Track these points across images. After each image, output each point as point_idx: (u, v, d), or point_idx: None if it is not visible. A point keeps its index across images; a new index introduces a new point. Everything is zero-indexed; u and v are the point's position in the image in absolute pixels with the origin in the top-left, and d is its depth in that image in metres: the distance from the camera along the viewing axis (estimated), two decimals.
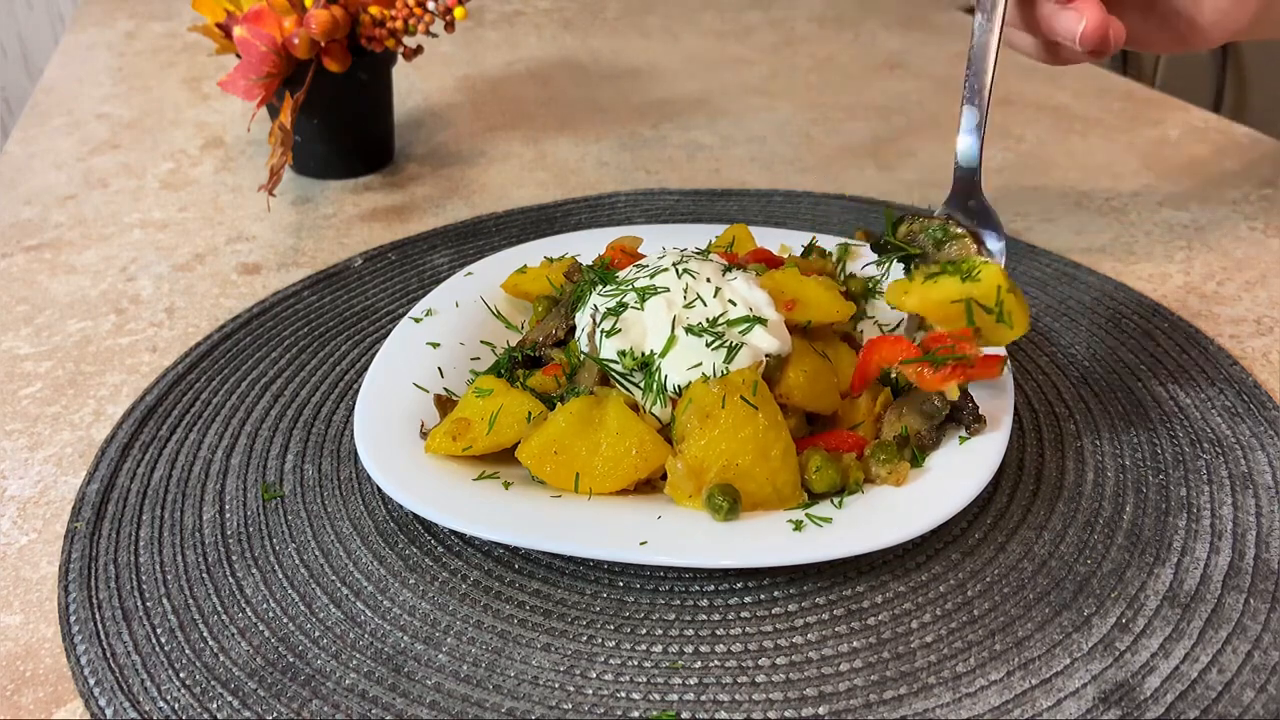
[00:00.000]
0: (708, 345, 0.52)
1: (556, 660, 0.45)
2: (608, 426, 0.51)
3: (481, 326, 0.64)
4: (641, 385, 0.53)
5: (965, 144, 0.59)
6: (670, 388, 0.52)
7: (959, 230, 0.54)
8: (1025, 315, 0.50)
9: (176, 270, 0.77)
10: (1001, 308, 0.50)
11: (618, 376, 0.54)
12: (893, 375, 0.53)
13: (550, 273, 0.65)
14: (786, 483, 0.49)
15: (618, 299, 0.55)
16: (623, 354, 0.53)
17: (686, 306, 0.53)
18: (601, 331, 0.54)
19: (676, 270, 0.55)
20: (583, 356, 0.55)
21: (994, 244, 0.58)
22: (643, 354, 0.53)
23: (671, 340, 0.52)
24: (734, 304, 0.54)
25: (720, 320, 0.53)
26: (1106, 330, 0.66)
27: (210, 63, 1.18)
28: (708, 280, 0.55)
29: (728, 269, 0.56)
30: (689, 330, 0.52)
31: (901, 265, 0.56)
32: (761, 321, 0.53)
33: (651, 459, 0.50)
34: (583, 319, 0.56)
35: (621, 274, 0.58)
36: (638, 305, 0.54)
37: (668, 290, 0.54)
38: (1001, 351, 0.51)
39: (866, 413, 0.54)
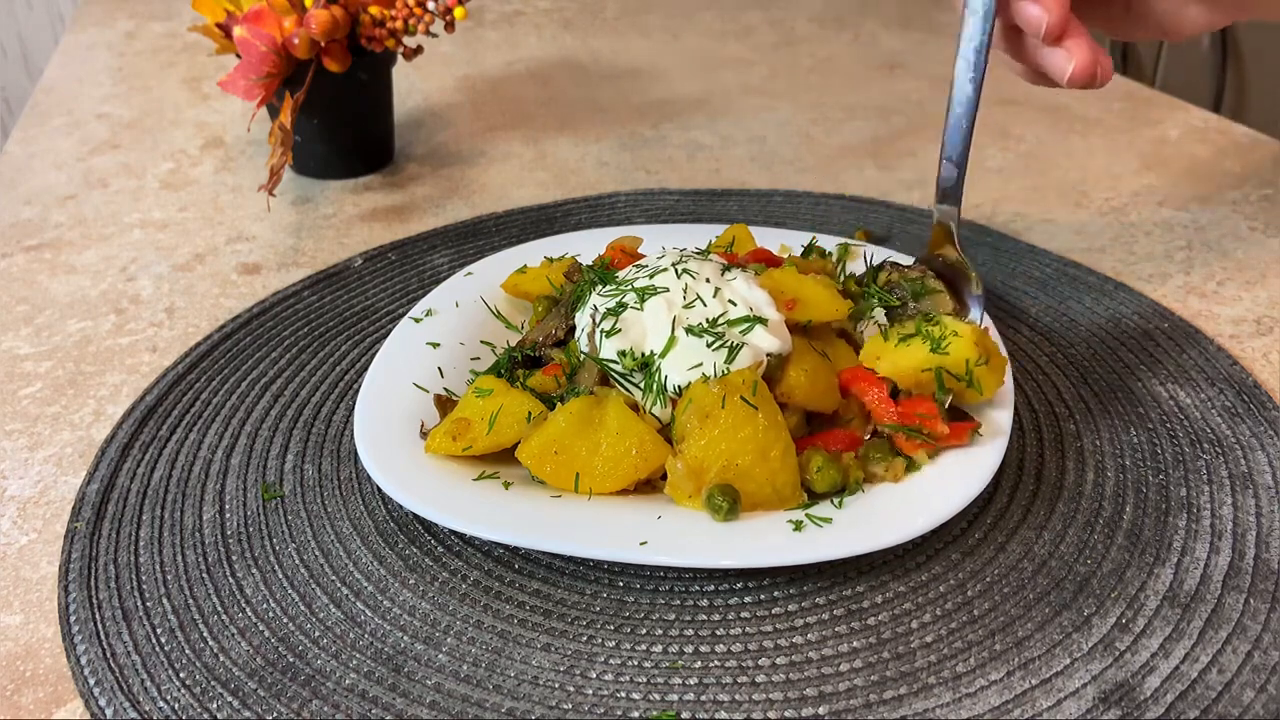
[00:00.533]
0: (708, 345, 0.52)
1: (556, 660, 0.45)
2: (608, 426, 0.51)
3: (481, 326, 0.64)
4: (641, 386, 0.53)
5: (943, 202, 0.57)
6: (670, 388, 0.52)
7: (936, 285, 0.55)
8: (997, 379, 0.52)
9: (176, 270, 0.77)
10: (971, 376, 0.51)
11: (617, 376, 0.54)
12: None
13: (550, 273, 0.65)
14: (786, 483, 0.49)
15: (617, 299, 0.55)
16: (623, 354, 0.53)
17: (686, 306, 0.53)
18: (601, 332, 0.54)
19: (676, 270, 0.55)
20: (583, 356, 0.55)
21: (972, 302, 0.58)
22: (643, 354, 0.53)
23: (672, 341, 0.52)
24: (734, 304, 0.54)
25: (720, 320, 0.53)
26: (1106, 330, 0.66)
27: (210, 63, 1.18)
28: (707, 280, 0.55)
29: (727, 269, 0.56)
30: (689, 331, 0.52)
31: (882, 310, 0.58)
32: (762, 321, 0.53)
33: (651, 459, 0.50)
34: (582, 319, 0.56)
35: (621, 274, 0.58)
36: (637, 305, 0.54)
37: (667, 290, 0.54)
38: (973, 420, 0.52)
39: (858, 409, 0.54)
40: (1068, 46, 0.56)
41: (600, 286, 0.57)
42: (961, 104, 0.54)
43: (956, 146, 0.55)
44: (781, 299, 0.55)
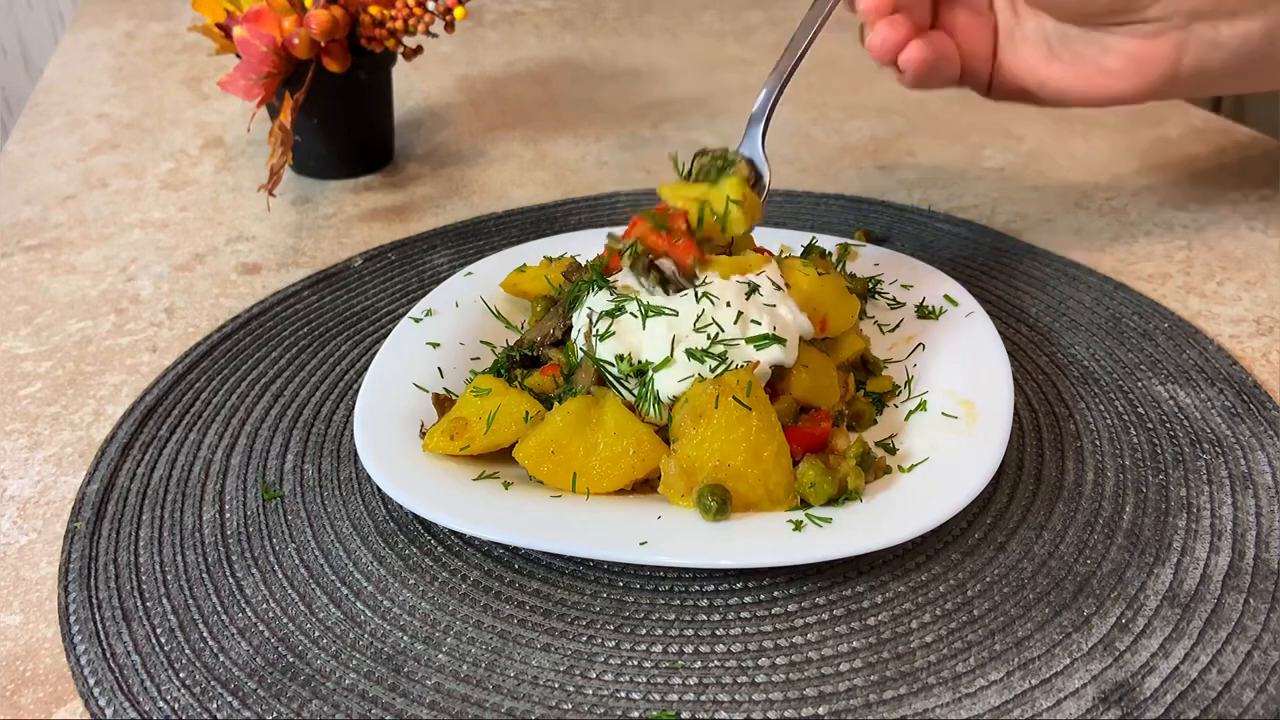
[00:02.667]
0: (710, 368, 0.52)
1: (556, 660, 0.45)
2: (605, 426, 0.51)
3: (481, 326, 0.64)
4: (636, 392, 0.53)
5: (752, 114, 0.64)
6: (664, 398, 0.52)
7: (740, 163, 0.60)
8: (747, 221, 0.58)
9: (176, 270, 0.77)
10: (727, 213, 0.57)
11: (613, 379, 0.53)
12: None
13: (549, 272, 0.65)
14: (779, 484, 0.49)
15: (617, 303, 0.55)
16: (620, 358, 0.53)
17: (698, 330, 0.53)
18: (596, 335, 0.54)
19: (695, 294, 0.54)
20: (580, 356, 0.55)
21: (764, 178, 0.63)
22: (639, 361, 0.53)
23: (668, 360, 0.52)
24: (757, 322, 0.53)
25: (732, 339, 0.52)
26: (1106, 330, 0.66)
27: (210, 63, 1.18)
28: (728, 305, 0.53)
29: (752, 290, 0.55)
30: (690, 354, 0.52)
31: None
32: (780, 341, 0.52)
33: (649, 459, 0.50)
34: (579, 319, 0.56)
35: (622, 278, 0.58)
36: (637, 316, 0.54)
37: (675, 314, 0.53)
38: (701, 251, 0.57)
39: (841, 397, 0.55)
40: (878, 24, 0.62)
41: (596, 289, 0.57)
42: (793, 53, 0.63)
43: (784, 62, 0.63)
44: (816, 317, 0.55)
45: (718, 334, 0.52)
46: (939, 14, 0.66)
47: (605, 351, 0.53)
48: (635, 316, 0.54)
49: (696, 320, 0.53)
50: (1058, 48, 0.65)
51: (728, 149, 0.61)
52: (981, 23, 0.66)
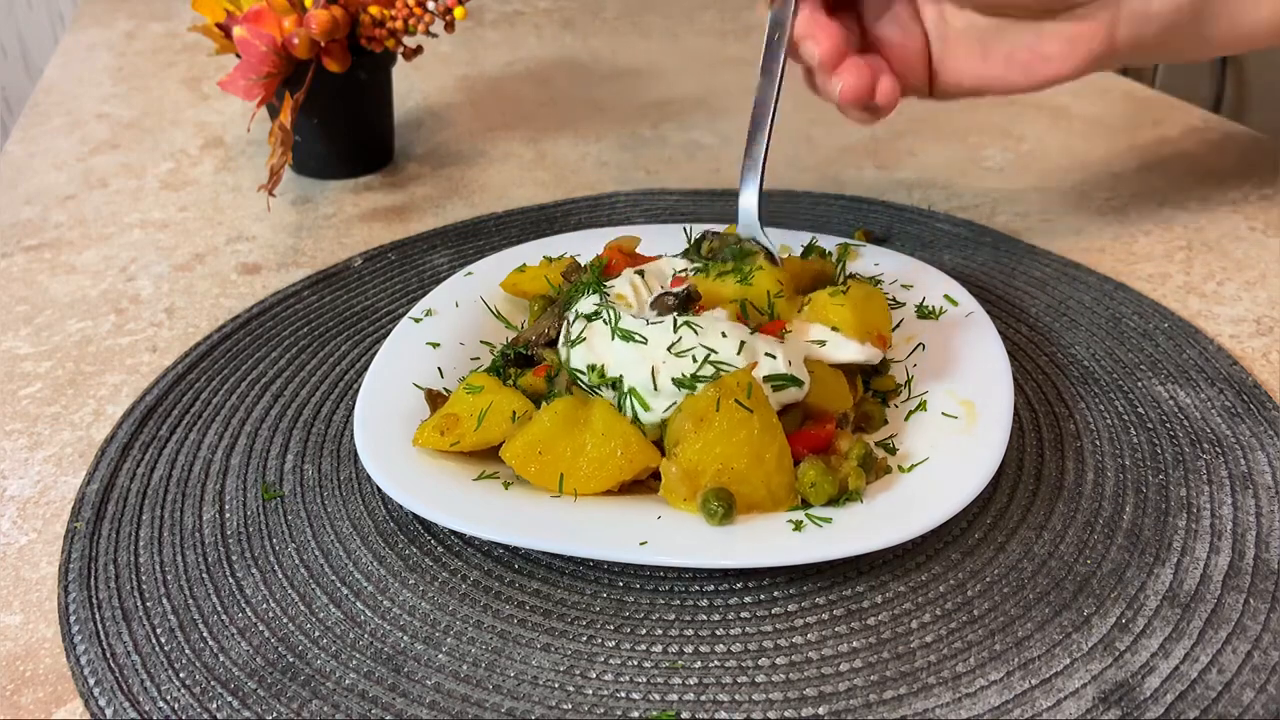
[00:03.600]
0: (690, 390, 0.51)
1: (556, 660, 0.45)
2: (593, 427, 0.51)
3: (481, 326, 0.64)
4: (616, 402, 0.52)
5: (746, 206, 0.64)
6: (651, 424, 0.51)
7: (752, 247, 0.61)
8: (793, 308, 0.58)
9: (176, 270, 0.77)
10: (772, 307, 0.57)
11: (585, 388, 0.53)
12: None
13: (548, 272, 0.65)
14: (781, 485, 0.49)
15: (589, 313, 0.54)
16: (591, 368, 0.53)
17: (677, 354, 0.51)
18: (568, 342, 0.54)
19: (674, 322, 0.53)
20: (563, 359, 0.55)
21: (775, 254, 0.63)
22: (607, 376, 0.52)
23: (651, 392, 0.51)
24: (772, 356, 0.52)
25: (722, 362, 0.51)
26: (1106, 330, 0.66)
27: (210, 63, 1.18)
28: (724, 335, 0.52)
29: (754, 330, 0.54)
30: (677, 383, 0.51)
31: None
32: (798, 383, 0.52)
33: (637, 461, 0.50)
34: (569, 321, 0.56)
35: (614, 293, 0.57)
36: (608, 324, 0.53)
37: (644, 341, 0.52)
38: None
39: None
40: (840, 72, 0.61)
41: (589, 292, 0.57)
42: (763, 113, 0.63)
43: (757, 149, 0.63)
44: (874, 338, 0.56)
45: (708, 355, 0.51)
46: (866, 37, 0.65)
47: (577, 359, 0.53)
48: (607, 325, 0.53)
49: (672, 346, 0.51)
50: (992, 43, 0.64)
51: (736, 234, 0.62)
52: (911, 34, 0.65)
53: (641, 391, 0.51)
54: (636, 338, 0.52)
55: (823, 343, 0.55)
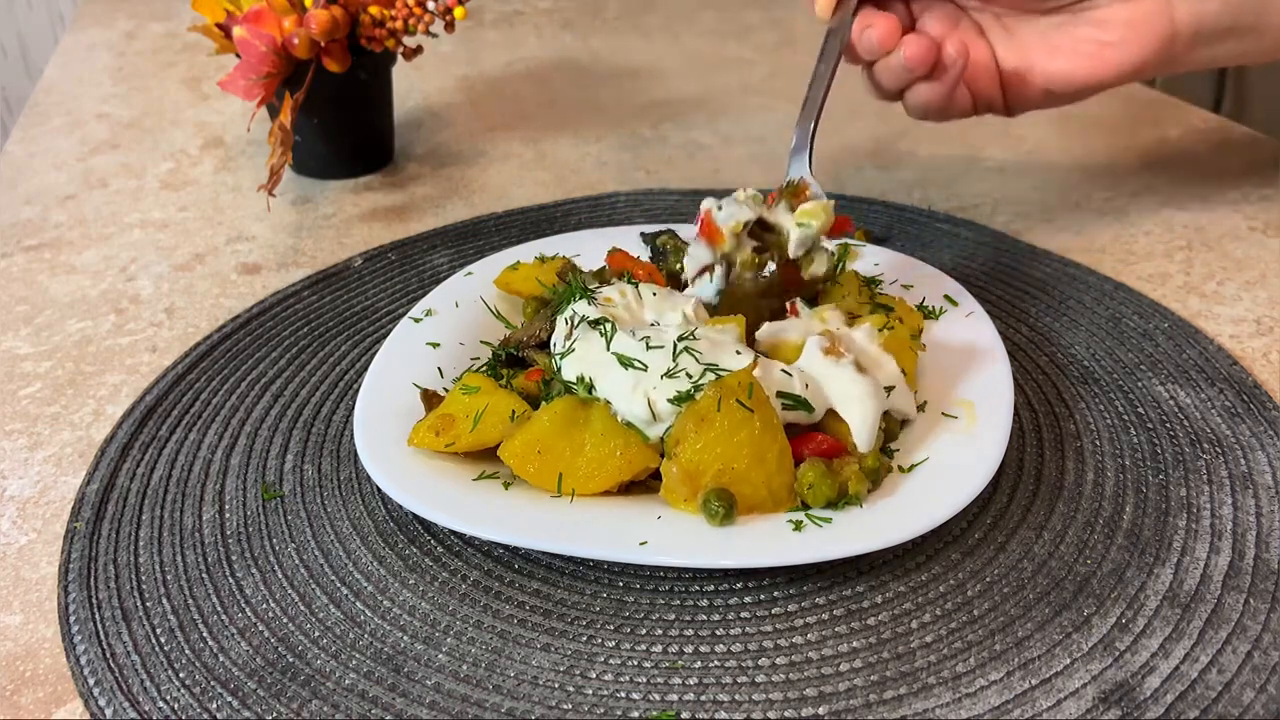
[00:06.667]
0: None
1: (556, 660, 0.45)
2: (592, 427, 0.51)
3: (481, 326, 0.64)
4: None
5: (797, 162, 0.65)
6: (652, 438, 0.51)
7: (805, 184, 0.63)
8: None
9: (176, 270, 0.77)
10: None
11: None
12: None
13: (540, 273, 0.65)
14: (782, 486, 0.49)
15: (579, 321, 0.54)
16: (580, 379, 0.52)
17: (669, 378, 0.50)
18: (558, 353, 0.54)
19: (674, 347, 0.52)
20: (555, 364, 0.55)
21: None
22: (596, 392, 0.52)
23: (643, 425, 0.51)
24: (788, 374, 0.51)
25: (716, 365, 0.51)
26: (1106, 330, 0.66)
27: (210, 63, 1.18)
28: (738, 352, 0.52)
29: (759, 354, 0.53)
30: (674, 401, 0.50)
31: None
32: (808, 409, 0.51)
33: (636, 461, 0.50)
34: (560, 325, 0.56)
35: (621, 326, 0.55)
36: (603, 336, 0.53)
37: (645, 368, 0.51)
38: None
39: None
40: (902, 43, 0.63)
41: (578, 296, 0.56)
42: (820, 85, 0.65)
43: (809, 118, 0.65)
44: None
45: (703, 371, 0.51)
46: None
47: (568, 371, 0.53)
48: (602, 336, 0.53)
49: (666, 374, 0.51)
50: (1056, 39, 0.66)
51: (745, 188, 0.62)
52: (977, 48, 0.67)
53: (640, 425, 0.51)
54: (636, 364, 0.51)
55: (892, 388, 0.53)
